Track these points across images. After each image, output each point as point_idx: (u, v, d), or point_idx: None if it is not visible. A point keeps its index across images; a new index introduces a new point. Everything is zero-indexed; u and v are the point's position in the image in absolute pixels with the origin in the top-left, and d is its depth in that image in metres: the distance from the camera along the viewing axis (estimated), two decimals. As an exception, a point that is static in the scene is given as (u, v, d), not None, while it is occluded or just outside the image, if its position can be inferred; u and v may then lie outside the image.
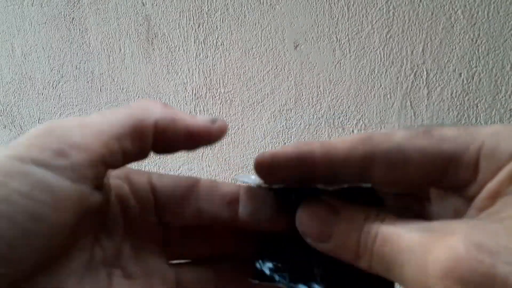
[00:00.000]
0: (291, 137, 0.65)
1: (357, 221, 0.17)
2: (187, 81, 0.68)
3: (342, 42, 0.59)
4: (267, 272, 0.20)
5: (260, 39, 0.62)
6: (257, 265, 0.21)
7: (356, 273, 0.18)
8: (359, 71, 0.59)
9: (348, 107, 0.61)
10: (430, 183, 0.18)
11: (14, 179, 0.15)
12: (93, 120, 0.17)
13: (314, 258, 0.20)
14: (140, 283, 0.20)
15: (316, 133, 0.63)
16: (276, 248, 0.21)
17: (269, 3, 0.61)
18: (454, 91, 0.56)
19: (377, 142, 0.17)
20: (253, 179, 0.21)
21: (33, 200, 0.15)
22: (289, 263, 0.20)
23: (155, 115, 0.18)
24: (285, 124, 0.65)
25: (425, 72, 0.56)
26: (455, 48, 0.55)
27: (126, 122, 0.17)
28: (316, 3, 0.58)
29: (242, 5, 0.62)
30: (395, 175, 0.17)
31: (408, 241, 0.15)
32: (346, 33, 0.58)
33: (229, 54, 0.64)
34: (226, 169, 0.70)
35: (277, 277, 0.20)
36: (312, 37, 0.60)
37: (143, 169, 0.22)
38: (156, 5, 0.66)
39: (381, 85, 0.59)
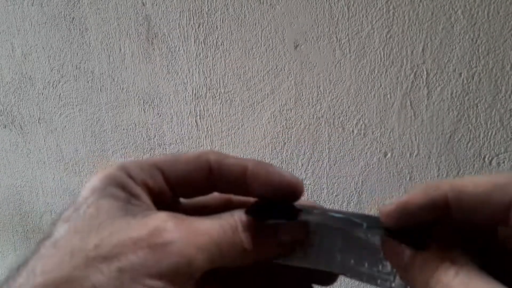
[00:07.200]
0: (291, 137, 0.65)
1: (430, 268, 0.18)
2: (187, 81, 0.68)
3: (342, 42, 0.59)
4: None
5: (260, 39, 0.62)
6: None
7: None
8: (359, 71, 0.59)
9: (348, 107, 0.61)
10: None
11: None
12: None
13: None
14: None
15: (316, 133, 0.63)
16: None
17: (269, 3, 0.61)
18: (454, 91, 0.56)
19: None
20: None
21: None
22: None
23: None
24: (285, 124, 0.65)
25: (425, 72, 0.56)
26: (455, 48, 0.55)
27: None
28: (316, 3, 0.58)
29: (242, 5, 0.62)
30: None
31: None
32: (346, 33, 0.58)
33: (229, 54, 0.64)
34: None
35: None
36: (312, 37, 0.60)
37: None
38: (156, 5, 0.66)
39: (381, 85, 0.59)
